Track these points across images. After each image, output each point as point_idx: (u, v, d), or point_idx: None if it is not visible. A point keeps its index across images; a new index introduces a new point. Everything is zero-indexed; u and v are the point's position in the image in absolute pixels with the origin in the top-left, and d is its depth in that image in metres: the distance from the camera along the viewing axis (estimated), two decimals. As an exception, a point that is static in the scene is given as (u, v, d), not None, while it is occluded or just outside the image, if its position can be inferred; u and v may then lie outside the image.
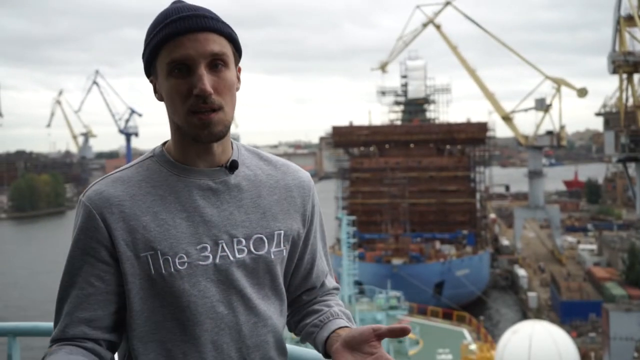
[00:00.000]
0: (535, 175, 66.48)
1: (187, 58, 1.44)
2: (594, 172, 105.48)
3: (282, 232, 1.59)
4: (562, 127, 66.59)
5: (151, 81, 1.54)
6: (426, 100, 72.38)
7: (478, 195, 63.87)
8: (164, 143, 1.59)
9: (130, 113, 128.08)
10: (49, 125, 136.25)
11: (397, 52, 70.86)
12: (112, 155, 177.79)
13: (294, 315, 1.74)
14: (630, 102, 36.45)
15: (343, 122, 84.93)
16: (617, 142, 34.71)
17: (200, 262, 1.50)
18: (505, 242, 68.50)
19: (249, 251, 1.54)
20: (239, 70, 1.56)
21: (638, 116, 35.08)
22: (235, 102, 1.51)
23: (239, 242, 1.53)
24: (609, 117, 50.57)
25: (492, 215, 76.92)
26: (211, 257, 1.50)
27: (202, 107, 1.44)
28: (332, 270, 1.80)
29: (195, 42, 1.44)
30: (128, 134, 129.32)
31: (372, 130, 66.38)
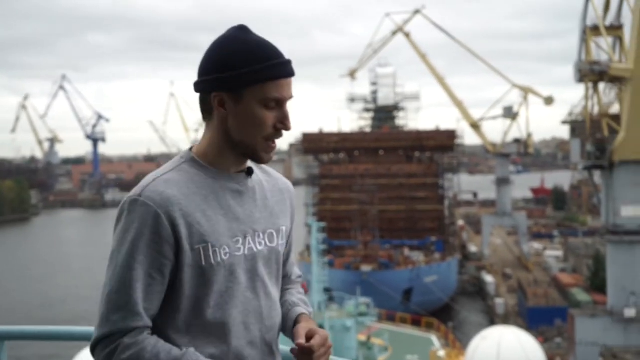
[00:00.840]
0: (502, 182, 67.21)
1: (284, 99, 1.75)
2: (560, 179, 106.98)
3: (284, 227, 1.91)
4: (529, 135, 67.49)
5: (217, 96, 1.75)
6: (396, 108, 72.74)
7: (446, 202, 64.30)
8: (190, 148, 1.84)
9: (98, 118, 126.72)
10: (13, 131, 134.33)
11: (367, 60, 71.20)
12: (78, 161, 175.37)
13: None
14: (596, 110, 36.99)
15: (313, 129, 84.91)
16: (582, 150, 35.18)
17: (236, 253, 1.77)
18: (473, 248, 69.05)
19: (266, 244, 1.84)
20: None
21: (603, 125, 35.60)
22: None
23: (259, 236, 1.82)
24: (575, 126, 51.30)
25: (461, 222, 77.50)
26: (242, 248, 1.79)
27: (277, 138, 1.78)
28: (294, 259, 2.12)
29: (289, 87, 1.77)
30: (95, 140, 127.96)
31: (342, 137, 66.49)
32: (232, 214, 1.78)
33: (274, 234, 1.86)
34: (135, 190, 1.71)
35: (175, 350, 1.67)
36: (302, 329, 1.81)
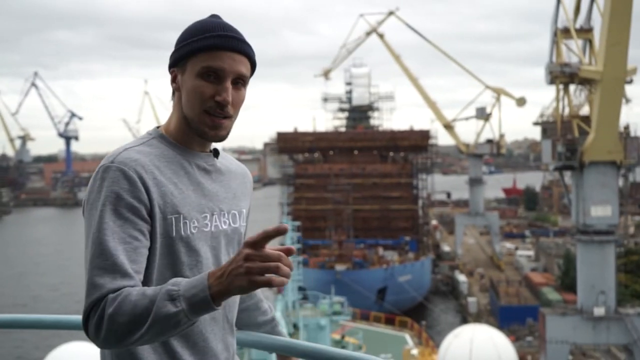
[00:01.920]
0: (475, 182, 67.78)
1: (221, 70, 1.75)
2: (532, 180, 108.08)
3: (245, 210, 1.96)
4: (501, 136, 68.11)
5: (173, 72, 1.82)
6: (370, 108, 73.00)
7: (420, 202, 64.66)
8: (158, 126, 1.87)
9: (71, 116, 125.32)
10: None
11: (341, 60, 71.43)
12: (50, 159, 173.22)
13: None
14: (567, 112, 37.49)
15: (288, 129, 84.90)
16: (553, 151, 35.59)
17: (204, 229, 1.79)
18: (446, 248, 69.55)
19: (229, 224, 1.87)
20: None
21: (574, 126, 36.09)
22: (238, 115, 1.85)
23: (224, 215, 1.86)
24: (546, 127, 51.89)
25: (434, 222, 78.01)
26: (209, 225, 1.81)
27: (218, 112, 1.76)
28: None
29: (232, 60, 1.75)
30: (68, 138, 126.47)
31: (317, 136, 66.57)
32: (201, 190, 1.80)
33: (237, 214, 1.90)
34: (107, 158, 1.71)
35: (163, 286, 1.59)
36: None
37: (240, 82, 1.79)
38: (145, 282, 1.68)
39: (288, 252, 1.54)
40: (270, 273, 1.51)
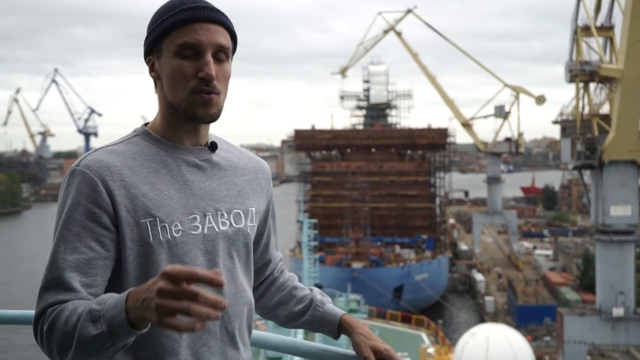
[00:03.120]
0: (493, 181, 67.46)
1: (198, 43, 1.58)
2: (551, 179, 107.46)
3: (254, 209, 1.75)
4: (520, 134, 67.71)
5: (148, 61, 1.66)
6: (388, 106, 72.84)
7: (438, 201, 64.45)
8: (146, 124, 1.71)
9: (90, 113, 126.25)
10: (5, 124, 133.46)
11: (358, 58, 71.35)
12: (70, 155, 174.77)
13: (263, 295, 1.92)
14: (587, 110, 37.22)
15: (305, 126, 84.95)
16: (573, 150, 35.36)
17: (192, 232, 1.61)
18: (463, 247, 69.29)
19: (230, 224, 1.68)
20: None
21: (593, 124, 35.83)
22: (227, 92, 1.66)
23: (222, 216, 1.66)
24: (566, 125, 51.56)
25: (451, 220, 77.74)
26: (200, 227, 1.62)
27: (205, 89, 1.58)
28: (277, 242, 1.97)
29: (207, 31, 1.59)
30: (87, 134, 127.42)
31: (334, 134, 66.55)
32: (189, 189, 1.63)
33: (241, 214, 1.70)
34: (76, 161, 1.59)
35: (91, 303, 1.45)
36: (364, 344, 1.78)
37: (223, 54, 1.62)
38: (119, 292, 1.46)
39: (211, 282, 1.29)
40: (183, 313, 1.28)
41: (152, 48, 1.64)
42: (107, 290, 1.54)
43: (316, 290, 1.92)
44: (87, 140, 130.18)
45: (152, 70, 1.66)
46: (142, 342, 1.53)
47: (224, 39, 1.62)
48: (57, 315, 1.45)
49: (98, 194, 1.54)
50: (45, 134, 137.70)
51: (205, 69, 1.57)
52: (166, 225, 1.57)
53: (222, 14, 1.64)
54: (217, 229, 1.65)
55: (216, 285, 1.30)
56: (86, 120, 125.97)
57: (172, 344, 1.56)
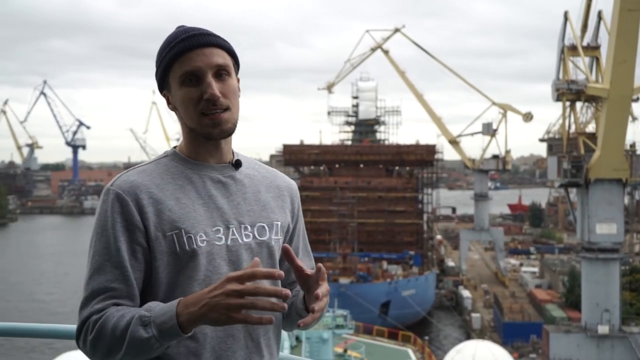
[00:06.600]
0: (480, 198, 67.73)
1: (197, 69, 1.73)
2: (537, 196, 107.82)
3: (279, 223, 1.86)
4: (507, 152, 68.10)
5: (164, 95, 1.82)
6: (377, 121, 73.12)
7: (425, 217, 64.60)
8: (175, 147, 1.87)
9: (79, 125, 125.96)
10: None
11: (345, 74, 71.91)
12: (58, 167, 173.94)
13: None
14: (573, 129, 37.57)
15: (293, 141, 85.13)
16: (559, 168, 35.66)
17: (216, 242, 1.74)
18: (450, 263, 69.33)
19: (254, 237, 1.80)
20: (238, 80, 1.84)
21: (580, 143, 36.16)
22: (239, 105, 1.80)
23: (246, 228, 1.79)
24: (552, 143, 51.91)
25: (439, 237, 77.82)
26: (224, 238, 1.75)
27: (212, 109, 1.73)
28: (313, 265, 2.00)
29: (203, 56, 1.73)
30: (75, 146, 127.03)
31: (323, 149, 66.69)
32: (214, 203, 1.76)
33: (266, 227, 1.82)
34: (110, 182, 1.75)
35: (139, 310, 1.63)
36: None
37: (224, 72, 1.75)
38: (155, 298, 1.70)
39: (272, 276, 1.55)
40: (250, 308, 1.54)
41: (162, 84, 1.80)
42: (140, 297, 1.71)
43: None
44: (75, 152, 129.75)
45: (168, 102, 1.82)
46: None
47: (220, 58, 1.75)
48: (104, 322, 1.62)
49: (130, 213, 1.70)
50: (32, 146, 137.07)
51: (209, 91, 1.71)
52: (191, 236, 1.71)
53: (214, 35, 1.77)
54: (240, 241, 1.77)
55: (277, 277, 1.53)
56: (74, 133, 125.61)
57: (196, 346, 1.69)
